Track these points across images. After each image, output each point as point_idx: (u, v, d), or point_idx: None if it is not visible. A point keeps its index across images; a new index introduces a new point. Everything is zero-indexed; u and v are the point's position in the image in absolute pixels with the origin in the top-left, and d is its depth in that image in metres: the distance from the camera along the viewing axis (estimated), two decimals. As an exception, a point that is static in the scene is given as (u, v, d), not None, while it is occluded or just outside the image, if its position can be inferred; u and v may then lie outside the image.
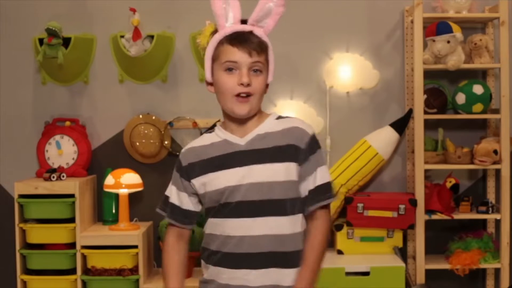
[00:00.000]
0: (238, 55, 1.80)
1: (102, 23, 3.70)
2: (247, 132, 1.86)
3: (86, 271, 3.38)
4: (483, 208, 3.46)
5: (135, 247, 3.34)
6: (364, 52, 3.67)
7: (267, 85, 1.89)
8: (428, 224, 3.46)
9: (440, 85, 3.61)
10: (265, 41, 1.85)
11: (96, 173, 3.71)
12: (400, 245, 3.51)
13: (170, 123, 3.69)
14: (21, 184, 3.38)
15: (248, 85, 1.79)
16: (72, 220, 3.37)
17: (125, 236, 3.37)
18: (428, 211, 3.45)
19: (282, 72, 3.38)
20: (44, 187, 3.36)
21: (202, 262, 1.93)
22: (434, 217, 3.44)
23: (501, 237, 3.45)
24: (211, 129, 1.96)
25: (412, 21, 3.48)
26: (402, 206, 3.40)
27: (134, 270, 3.36)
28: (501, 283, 3.46)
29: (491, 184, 3.65)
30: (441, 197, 3.46)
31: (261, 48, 1.82)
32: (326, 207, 1.88)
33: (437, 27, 3.35)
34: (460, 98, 3.41)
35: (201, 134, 3.54)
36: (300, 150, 1.83)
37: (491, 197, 3.63)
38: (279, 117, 1.91)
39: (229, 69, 1.81)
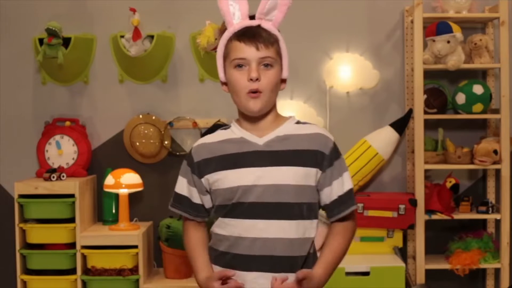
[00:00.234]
0: (245, 50, 1.76)
1: (102, 23, 3.70)
2: (263, 132, 1.82)
3: (86, 271, 3.38)
4: (483, 208, 3.46)
5: (135, 247, 3.34)
6: (364, 52, 3.67)
7: (284, 81, 1.84)
8: (428, 224, 3.46)
9: (440, 85, 3.61)
10: (275, 33, 1.79)
11: (96, 173, 3.71)
12: (400, 245, 3.50)
13: (170, 123, 3.68)
14: (21, 184, 3.38)
15: (257, 80, 1.75)
16: (72, 220, 3.37)
17: (125, 236, 3.37)
18: (428, 211, 3.45)
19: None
20: (44, 187, 3.36)
21: None
22: (434, 217, 3.44)
23: (501, 237, 3.44)
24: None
25: (412, 21, 3.48)
26: (402, 206, 3.40)
27: (134, 270, 3.35)
28: (501, 283, 3.46)
29: (491, 184, 3.65)
30: (441, 197, 3.46)
31: (269, 41, 1.77)
32: (353, 212, 1.87)
33: (437, 27, 3.35)
34: (460, 98, 3.41)
35: (201, 134, 3.59)
36: (325, 156, 1.80)
37: (491, 197, 3.63)
38: (298, 122, 1.87)
39: (239, 66, 1.77)
